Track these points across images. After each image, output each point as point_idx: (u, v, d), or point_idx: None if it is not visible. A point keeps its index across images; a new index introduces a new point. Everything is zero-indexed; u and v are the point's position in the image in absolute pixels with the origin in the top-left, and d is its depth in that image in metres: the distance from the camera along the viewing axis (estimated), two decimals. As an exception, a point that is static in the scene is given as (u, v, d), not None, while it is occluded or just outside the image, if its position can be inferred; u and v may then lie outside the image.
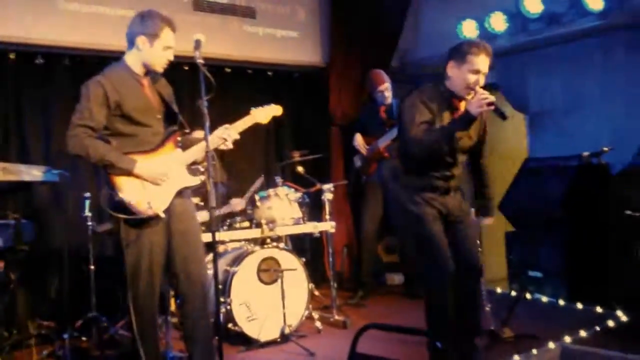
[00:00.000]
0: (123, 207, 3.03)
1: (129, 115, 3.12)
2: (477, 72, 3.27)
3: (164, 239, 3.16)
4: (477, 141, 3.54)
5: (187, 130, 3.35)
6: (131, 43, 3.17)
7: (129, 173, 3.05)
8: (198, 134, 3.68)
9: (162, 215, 3.10)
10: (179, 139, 3.29)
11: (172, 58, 3.22)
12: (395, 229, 4.50)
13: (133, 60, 3.19)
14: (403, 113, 3.38)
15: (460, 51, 3.31)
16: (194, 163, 3.32)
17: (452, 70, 3.35)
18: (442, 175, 3.44)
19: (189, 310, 3.23)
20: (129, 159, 3.07)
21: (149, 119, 3.19)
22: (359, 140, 5.57)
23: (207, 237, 3.36)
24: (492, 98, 3.15)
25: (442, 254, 3.35)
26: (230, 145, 3.38)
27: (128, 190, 3.06)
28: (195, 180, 3.29)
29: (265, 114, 3.67)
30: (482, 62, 3.28)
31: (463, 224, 3.51)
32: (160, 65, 3.21)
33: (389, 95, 5.49)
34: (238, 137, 3.40)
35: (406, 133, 3.32)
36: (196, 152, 3.28)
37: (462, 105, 3.39)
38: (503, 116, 3.21)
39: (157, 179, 3.12)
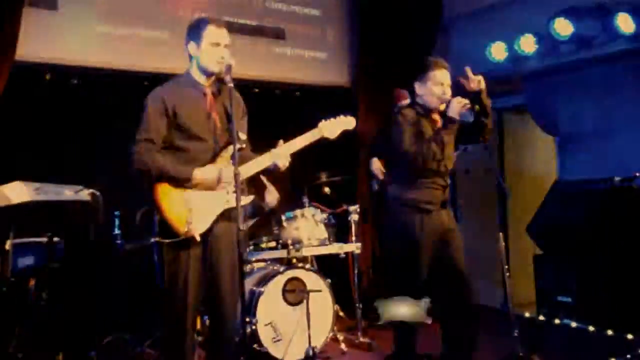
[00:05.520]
0: (162, 227, 3.04)
1: (183, 125, 3.08)
2: (441, 84, 3.68)
3: (203, 260, 3.12)
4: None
5: (242, 146, 3.14)
6: (188, 53, 3.19)
7: (188, 180, 3.04)
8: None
9: (198, 237, 3.05)
10: (230, 154, 3.06)
11: (223, 54, 3.10)
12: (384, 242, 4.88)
13: (193, 70, 3.19)
14: (393, 134, 3.68)
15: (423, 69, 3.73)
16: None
17: (419, 88, 3.75)
18: (439, 185, 3.71)
19: (217, 332, 3.22)
20: (186, 168, 3.06)
21: (204, 132, 3.12)
22: (375, 164, 5.52)
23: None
24: (465, 100, 3.59)
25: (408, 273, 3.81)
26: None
27: (170, 210, 3.04)
28: (244, 200, 3.06)
29: (334, 127, 3.31)
30: (443, 75, 3.71)
31: (454, 241, 3.76)
32: (214, 65, 3.10)
33: None
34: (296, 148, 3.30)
35: (400, 149, 3.60)
36: (247, 170, 3.14)
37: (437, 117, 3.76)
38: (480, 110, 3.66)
39: (215, 181, 3.06)
